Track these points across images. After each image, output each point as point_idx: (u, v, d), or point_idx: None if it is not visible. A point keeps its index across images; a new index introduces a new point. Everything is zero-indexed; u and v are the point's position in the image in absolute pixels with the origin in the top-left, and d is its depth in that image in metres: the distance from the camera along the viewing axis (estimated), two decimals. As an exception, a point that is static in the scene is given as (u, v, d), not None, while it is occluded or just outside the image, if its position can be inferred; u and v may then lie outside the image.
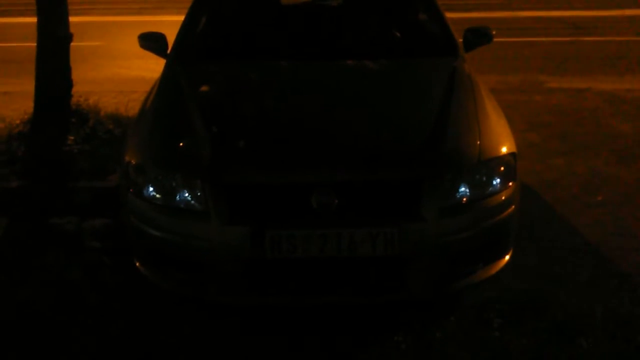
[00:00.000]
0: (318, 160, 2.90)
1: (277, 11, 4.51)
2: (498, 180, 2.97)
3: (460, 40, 4.12)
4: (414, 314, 3.12)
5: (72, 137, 4.88)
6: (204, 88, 3.58)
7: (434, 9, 4.26)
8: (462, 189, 2.88)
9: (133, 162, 3.04)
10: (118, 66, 9.26)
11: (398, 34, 4.24)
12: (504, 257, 3.09)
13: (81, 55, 8.46)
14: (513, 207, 3.02)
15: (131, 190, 3.01)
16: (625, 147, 5.47)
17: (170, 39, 4.13)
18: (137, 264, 3.12)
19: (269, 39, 4.08)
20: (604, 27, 12.55)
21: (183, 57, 3.94)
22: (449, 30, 4.06)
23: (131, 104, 6.20)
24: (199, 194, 2.83)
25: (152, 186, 2.95)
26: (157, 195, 2.93)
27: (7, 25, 14.03)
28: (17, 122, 5.45)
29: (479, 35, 4.19)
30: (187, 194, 2.87)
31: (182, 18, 4.25)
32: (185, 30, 4.14)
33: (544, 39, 11.32)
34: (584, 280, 3.43)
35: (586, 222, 4.08)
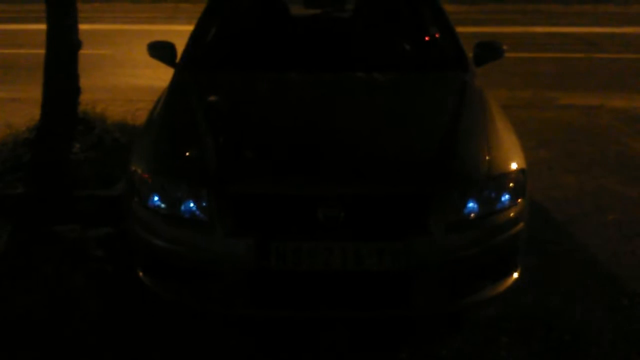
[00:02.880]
0: (325, 173, 2.86)
1: (287, 22, 4.49)
2: (507, 196, 2.92)
3: (471, 55, 4.08)
4: (420, 331, 3.06)
5: (78, 145, 4.87)
6: (212, 97, 3.55)
7: (444, 22, 4.24)
8: (471, 204, 2.83)
9: (138, 170, 3.01)
10: (127, 75, 9.29)
11: (408, 48, 4.20)
12: (512, 274, 3.03)
13: (91, 63, 8.49)
14: (522, 224, 2.97)
15: (135, 199, 2.97)
16: (637, 166, 5.41)
17: (180, 48, 4.11)
18: (140, 274, 3.08)
19: (278, 50, 4.06)
20: (617, 44, 12.52)
21: (192, 66, 3.93)
22: (459, 45, 4.02)
23: (138, 113, 6.20)
24: (204, 204, 2.79)
25: (156, 195, 2.91)
26: (162, 205, 2.90)
27: (20, 32, 14.15)
28: (24, 129, 5.46)
29: (489, 50, 4.14)
30: (192, 204, 2.83)
31: (193, 28, 4.24)
32: (194, 39, 4.13)
33: (556, 55, 11.29)
34: (593, 299, 3.36)
35: (596, 241, 4.02)
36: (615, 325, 3.14)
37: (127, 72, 9.46)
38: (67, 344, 3.01)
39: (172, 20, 15.88)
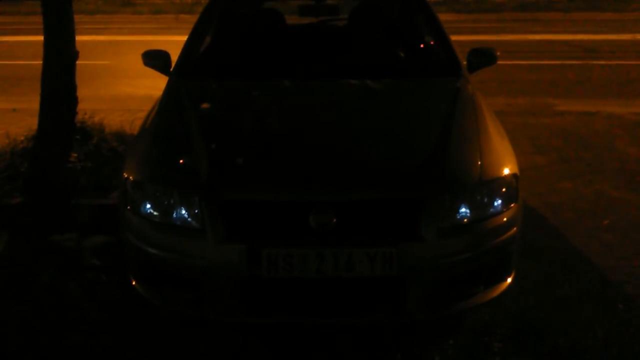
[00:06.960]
0: (317, 179, 2.87)
1: (281, 31, 4.51)
2: (499, 201, 2.93)
3: (465, 62, 4.09)
4: (412, 336, 3.06)
5: (75, 154, 4.87)
6: (205, 105, 3.57)
7: (438, 29, 4.26)
8: (463, 209, 2.83)
9: (131, 178, 3.02)
10: (126, 85, 9.32)
11: (402, 54, 4.22)
12: (506, 279, 3.03)
13: (91, 73, 8.52)
14: (515, 228, 2.97)
15: (128, 206, 2.98)
16: (633, 171, 5.41)
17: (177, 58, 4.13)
18: (133, 282, 3.08)
19: (271, 58, 4.08)
20: (614, 51, 12.54)
21: (185, 74, 3.95)
22: (452, 51, 4.04)
23: (136, 123, 6.18)
24: (196, 211, 2.80)
25: (149, 203, 2.92)
26: (154, 212, 2.90)
27: (20, 43, 14.21)
28: (22, 138, 5.48)
29: (483, 57, 4.16)
30: (184, 211, 2.84)
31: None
32: (188, 48, 4.15)
33: (553, 62, 11.32)
34: (588, 304, 3.36)
35: (592, 247, 4.01)
36: (610, 330, 3.12)
37: (126, 82, 9.49)
38: (62, 353, 3.00)
39: (172, 31, 15.93)
